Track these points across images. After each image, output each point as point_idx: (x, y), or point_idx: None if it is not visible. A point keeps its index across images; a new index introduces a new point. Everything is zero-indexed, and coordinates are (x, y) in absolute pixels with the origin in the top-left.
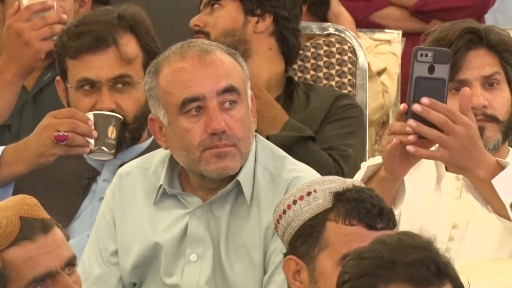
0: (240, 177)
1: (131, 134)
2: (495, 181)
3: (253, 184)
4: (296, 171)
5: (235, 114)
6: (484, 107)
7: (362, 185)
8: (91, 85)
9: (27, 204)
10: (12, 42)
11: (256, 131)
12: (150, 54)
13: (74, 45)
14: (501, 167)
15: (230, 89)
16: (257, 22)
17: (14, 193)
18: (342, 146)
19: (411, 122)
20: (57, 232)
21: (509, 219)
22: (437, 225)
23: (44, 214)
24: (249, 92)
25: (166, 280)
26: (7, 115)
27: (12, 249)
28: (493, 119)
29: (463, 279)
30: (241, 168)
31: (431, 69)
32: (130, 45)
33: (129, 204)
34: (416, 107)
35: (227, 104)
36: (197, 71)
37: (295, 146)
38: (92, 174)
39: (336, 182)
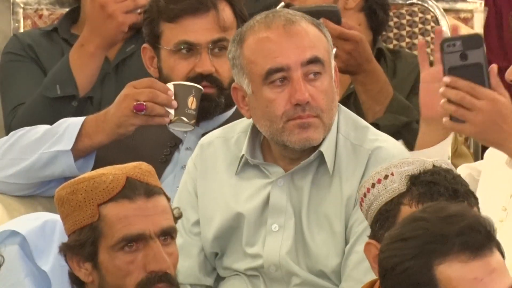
0: (322, 148)
1: (226, 99)
2: None
3: (335, 154)
4: (377, 141)
5: (319, 85)
6: None
7: (445, 164)
8: (189, 49)
9: (140, 168)
10: (95, 15)
11: (358, 105)
12: (243, 22)
13: (175, 7)
14: None
15: (314, 60)
16: None
17: (96, 163)
18: None
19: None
20: (161, 200)
21: None
22: (494, 195)
23: (153, 181)
24: (333, 62)
25: (248, 250)
26: (90, 87)
27: (110, 205)
28: None
29: None
30: (323, 138)
31: (464, 57)
32: (227, 11)
33: (210, 174)
34: (441, 89)
35: (311, 75)
36: (282, 41)
37: (401, 131)
38: (175, 143)
39: (415, 164)
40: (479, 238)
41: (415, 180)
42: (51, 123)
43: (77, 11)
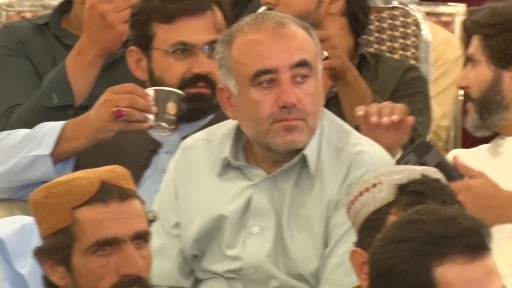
0: (306, 151)
1: None
2: None
3: (317, 157)
4: (359, 145)
5: (306, 88)
6: None
7: (434, 174)
8: (184, 49)
9: (115, 172)
10: (94, 24)
11: (340, 108)
12: (230, 25)
13: (173, 7)
14: None
15: (303, 63)
16: (330, 3)
17: (75, 167)
18: (415, 125)
19: None
20: (135, 203)
21: None
22: None
23: (128, 185)
24: (320, 66)
25: (228, 252)
26: (86, 95)
27: (84, 208)
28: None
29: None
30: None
31: (423, 165)
32: (219, 13)
33: (192, 176)
34: None
35: (298, 78)
36: (272, 43)
37: None
38: (154, 147)
39: (403, 173)
40: (478, 240)
41: (403, 190)
42: None
43: (69, 2)
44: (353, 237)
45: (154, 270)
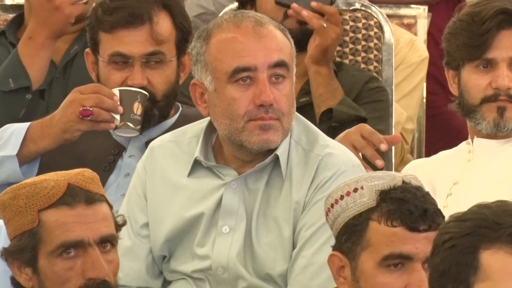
0: (278, 152)
1: (159, 111)
2: None
3: (287, 158)
4: (328, 147)
5: (282, 89)
6: (508, 89)
7: (415, 181)
8: (123, 60)
9: (83, 175)
10: (42, 7)
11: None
12: (183, 32)
13: (109, 19)
14: None
15: (281, 64)
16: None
17: (40, 169)
18: None
19: None
20: (102, 208)
21: None
22: (441, 181)
23: (95, 188)
24: (295, 69)
25: (198, 251)
26: (42, 78)
27: (50, 211)
28: None
29: None
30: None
31: None
32: (164, 23)
33: (161, 177)
34: None
35: (275, 78)
36: (251, 42)
37: (349, 125)
38: (118, 150)
39: (385, 179)
40: None
41: (385, 196)
42: (4, 117)
43: (23, 16)
44: (321, 239)
45: (123, 270)
